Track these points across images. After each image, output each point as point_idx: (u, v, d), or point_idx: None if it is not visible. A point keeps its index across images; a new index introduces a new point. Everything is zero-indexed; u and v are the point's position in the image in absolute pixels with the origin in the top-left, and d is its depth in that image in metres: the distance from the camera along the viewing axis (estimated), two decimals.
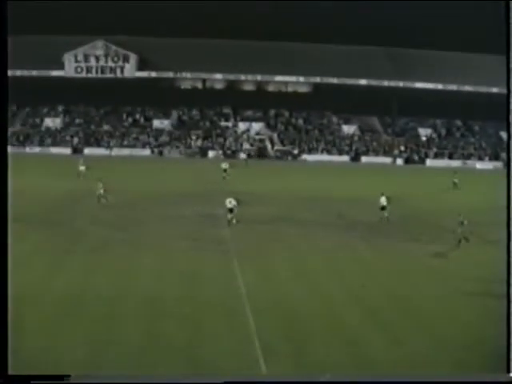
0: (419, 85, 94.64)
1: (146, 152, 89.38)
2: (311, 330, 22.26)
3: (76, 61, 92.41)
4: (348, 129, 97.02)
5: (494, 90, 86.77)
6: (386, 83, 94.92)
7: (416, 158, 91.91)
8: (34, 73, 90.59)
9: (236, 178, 61.04)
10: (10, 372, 15.37)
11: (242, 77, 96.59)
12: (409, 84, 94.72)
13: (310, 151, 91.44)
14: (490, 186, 47.20)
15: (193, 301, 24.91)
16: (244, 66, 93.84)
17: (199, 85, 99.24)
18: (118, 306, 23.99)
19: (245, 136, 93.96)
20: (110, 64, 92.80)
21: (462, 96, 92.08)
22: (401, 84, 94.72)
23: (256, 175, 68.20)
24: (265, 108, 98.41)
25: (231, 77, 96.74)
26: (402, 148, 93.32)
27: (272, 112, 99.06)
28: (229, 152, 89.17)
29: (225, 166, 64.41)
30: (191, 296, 25.52)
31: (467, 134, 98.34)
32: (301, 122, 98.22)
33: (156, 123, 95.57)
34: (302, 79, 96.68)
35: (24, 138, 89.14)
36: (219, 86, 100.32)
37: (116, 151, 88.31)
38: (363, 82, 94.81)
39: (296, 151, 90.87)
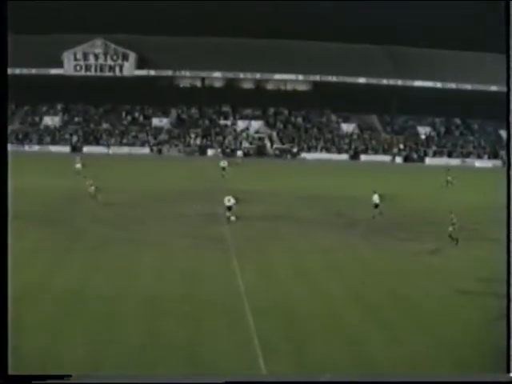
0: (418, 83, 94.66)
1: (145, 150, 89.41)
2: (311, 329, 22.25)
3: (75, 59, 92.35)
4: (347, 127, 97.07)
5: (493, 88, 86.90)
6: (385, 81, 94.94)
7: (415, 156, 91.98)
8: (33, 71, 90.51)
9: (235, 176, 61.04)
10: (10, 372, 15.35)
11: (241, 75, 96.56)
12: (408, 82, 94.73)
13: (309, 149, 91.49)
14: (489, 185, 47.30)
15: (193, 299, 24.89)
16: (243, 65, 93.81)
17: (198, 83, 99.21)
18: (118, 304, 23.98)
19: (244, 134, 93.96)
20: (109, 62, 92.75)
21: (461, 94, 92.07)
22: (400, 82, 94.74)
23: (255, 174, 68.22)
24: (264, 106, 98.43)
25: (230, 75, 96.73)
26: (401, 146, 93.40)
27: (271, 110, 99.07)
28: (228, 150, 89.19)
29: (223, 164, 64.53)
30: (191, 294, 25.51)
31: (466, 133, 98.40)
32: (300, 120, 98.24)
33: (155, 121, 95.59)
34: (301, 77, 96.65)
35: (23, 137, 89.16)
36: (218, 84, 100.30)
37: (115, 149, 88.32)
38: (362, 80, 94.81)
39: (295, 149, 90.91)
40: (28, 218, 37.56)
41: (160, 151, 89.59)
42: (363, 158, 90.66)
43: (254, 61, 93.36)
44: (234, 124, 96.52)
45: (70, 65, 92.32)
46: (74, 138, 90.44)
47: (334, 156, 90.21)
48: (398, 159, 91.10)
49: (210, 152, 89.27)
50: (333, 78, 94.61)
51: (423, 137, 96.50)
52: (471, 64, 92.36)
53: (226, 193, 41.82)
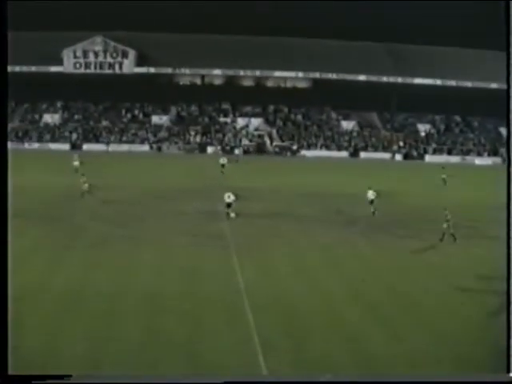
0: (418, 80, 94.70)
1: (145, 148, 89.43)
2: (311, 326, 22.25)
3: (75, 57, 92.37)
4: (347, 124, 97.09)
5: (493, 85, 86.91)
6: (385, 79, 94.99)
7: (415, 153, 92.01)
8: (33, 69, 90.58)
9: (235, 173, 61.07)
10: (10, 372, 15.34)
11: (241, 72, 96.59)
12: (408, 80, 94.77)
13: (309, 147, 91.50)
14: (489, 182, 47.32)
15: (192, 296, 24.90)
16: (243, 62, 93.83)
17: (198, 81, 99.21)
18: (118, 302, 23.98)
19: (244, 132, 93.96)
20: (109, 60, 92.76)
21: (461, 92, 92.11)
22: (400, 80, 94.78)
23: (255, 171, 68.24)
24: (264, 104, 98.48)
25: (230, 72, 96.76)
26: (401, 144, 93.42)
27: (271, 108, 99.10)
28: (227, 148, 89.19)
29: (223, 161, 64.65)
30: (191, 292, 25.51)
31: (466, 130, 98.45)
32: (300, 117, 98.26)
33: (155, 119, 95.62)
34: (301, 75, 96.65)
35: (23, 134, 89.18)
36: (218, 81, 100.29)
37: (115, 147, 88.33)
38: (362, 77, 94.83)
39: (295, 147, 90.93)
40: (28, 216, 37.55)
41: (160, 149, 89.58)
42: (363, 155, 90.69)
43: (254, 58, 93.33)
44: (233, 121, 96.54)
45: (70, 62, 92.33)
46: (74, 136, 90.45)
47: (334, 153, 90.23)
48: (398, 156, 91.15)
49: (209, 149, 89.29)
50: (333, 76, 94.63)
51: (423, 134, 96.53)
52: (471, 61, 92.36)
53: (226, 190, 41.79)
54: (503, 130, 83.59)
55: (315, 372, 18.55)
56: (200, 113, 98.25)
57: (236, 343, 20.55)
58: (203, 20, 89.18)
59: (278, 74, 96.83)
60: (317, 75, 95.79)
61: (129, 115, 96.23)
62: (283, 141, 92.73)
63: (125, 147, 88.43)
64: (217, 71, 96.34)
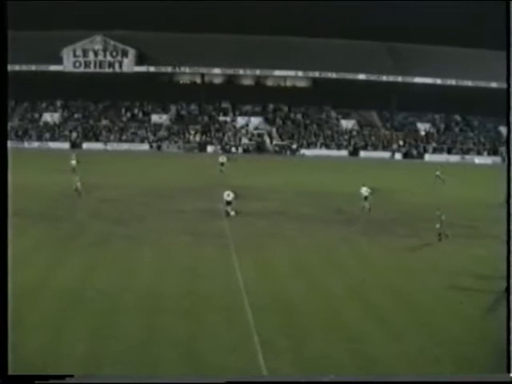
0: (418, 79, 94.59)
1: (145, 147, 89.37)
2: (310, 325, 22.26)
3: (74, 55, 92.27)
4: (347, 123, 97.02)
5: (493, 85, 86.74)
6: (384, 78, 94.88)
7: (415, 152, 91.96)
8: (33, 68, 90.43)
9: (235, 172, 61.05)
10: (10, 372, 15.35)
11: (241, 71, 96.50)
12: (408, 79, 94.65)
13: (309, 146, 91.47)
14: (488, 181, 47.36)
15: (192, 295, 24.90)
16: (243, 61, 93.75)
17: (198, 79, 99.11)
18: (118, 300, 23.99)
19: (243, 131, 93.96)
20: (109, 59, 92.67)
21: (461, 91, 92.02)
22: (400, 79, 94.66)
23: (255, 170, 68.22)
24: (263, 103, 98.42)
25: (230, 71, 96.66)
26: (401, 143, 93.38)
27: (271, 107, 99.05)
28: (227, 147, 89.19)
29: (222, 159, 64.70)
30: (190, 290, 25.52)
31: (466, 129, 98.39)
32: (299, 116, 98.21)
33: (154, 118, 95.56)
34: (300, 74, 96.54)
35: (22, 133, 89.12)
36: (218, 80, 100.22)
37: (114, 146, 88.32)
38: (362, 76, 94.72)
39: (295, 146, 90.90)
40: (27, 215, 37.58)
41: (159, 148, 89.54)
42: (363, 154, 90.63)
43: (254, 57, 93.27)
44: (233, 120, 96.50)
45: (70, 61, 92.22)
46: (74, 135, 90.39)
47: (334, 152, 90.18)
48: (398, 155, 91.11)
49: (209, 148, 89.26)
50: (332, 75, 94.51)
51: (423, 133, 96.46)
52: (471, 60, 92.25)
53: (226, 189, 41.82)
54: (503, 130, 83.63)
55: (315, 372, 18.58)
56: (200, 112, 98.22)
57: (235, 342, 20.56)
58: (203, 19, 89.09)
59: (277, 73, 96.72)
60: (316, 74, 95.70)
61: (128, 114, 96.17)
62: (283, 140, 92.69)
63: (124, 146, 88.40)
64: (217, 70, 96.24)
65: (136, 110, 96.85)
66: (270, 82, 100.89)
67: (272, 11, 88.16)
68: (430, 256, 33.05)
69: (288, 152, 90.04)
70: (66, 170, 57.15)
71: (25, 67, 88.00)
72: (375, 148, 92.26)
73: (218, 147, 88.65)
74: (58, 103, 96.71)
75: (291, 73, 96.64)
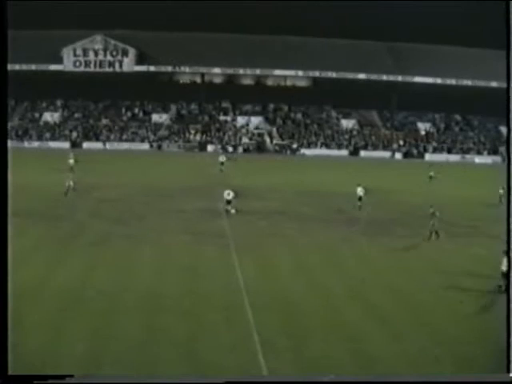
0: (418, 79, 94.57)
1: (145, 146, 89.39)
2: (310, 325, 22.25)
3: (75, 55, 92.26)
4: (347, 123, 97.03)
5: (494, 84, 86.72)
6: (385, 77, 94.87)
7: (415, 152, 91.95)
8: (33, 67, 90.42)
9: (235, 172, 61.06)
10: (10, 372, 15.35)
11: (241, 71, 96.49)
12: (408, 78, 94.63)
13: (309, 145, 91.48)
14: (488, 181, 47.37)
15: (192, 295, 24.90)
16: (243, 60, 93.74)
17: (198, 79, 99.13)
18: (118, 300, 23.98)
19: (244, 130, 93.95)
20: (109, 58, 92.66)
21: (461, 90, 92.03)
22: (400, 78, 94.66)
23: (255, 169, 68.21)
24: (264, 102, 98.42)
25: (230, 71, 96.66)
26: (401, 142, 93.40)
27: (271, 106, 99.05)
28: (227, 146, 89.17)
29: (222, 159, 64.81)
30: (191, 290, 25.51)
31: (466, 129, 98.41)
32: (300, 116, 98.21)
33: (155, 117, 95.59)
34: (300, 73, 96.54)
35: (23, 133, 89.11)
36: (218, 80, 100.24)
37: (115, 145, 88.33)
38: (362, 76, 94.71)
39: (295, 145, 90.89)
40: (28, 215, 37.57)
41: (160, 147, 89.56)
42: (363, 153, 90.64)
43: (254, 56, 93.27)
44: (233, 120, 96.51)
45: (70, 60, 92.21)
46: (74, 134, 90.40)
47: (334, 152, 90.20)
48: (398, 155, 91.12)
49: (209, 148, 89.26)
50: (332, 74, 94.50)
51: (423, 133, 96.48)
52: (471, 60, 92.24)
53: (226, 189, 41.88)
54: (503, 129, 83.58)
55: (315, 371, 18.57)
56: (200, 111, 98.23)
57: (236, 342, 20.56)
58: (203, 19, 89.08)
59: (277, 72, 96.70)
60: (317, 74, 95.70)
61: (129, 113, 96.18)
62: (283, 139, 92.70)
63: (125, 145, 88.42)
64: (217, 70, 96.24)
65: (136, 110, 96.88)
66: (270, 82, 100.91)
67: (272, 11, 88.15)
68: (430, 255, 33.04)
69: (288, 152, 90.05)
70: (65, 170, 57.12)
71: (25, 67, 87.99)
72: (375, 148, 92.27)
73: (219, 146, 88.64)
74: (59, 103, 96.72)
75: (291, 72, 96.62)
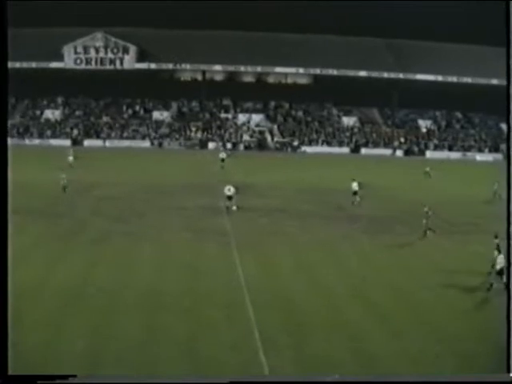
0: (419, 76, 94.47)
1: (146, 144, 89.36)
2: (311, 322, 22.25)
3: (75, 52, 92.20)
4: (348, 120, 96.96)
5: (495, 81, 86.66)
6: (386, 75, 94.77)
7: (416, 149, 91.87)
8: (34, 65, 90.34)
9: (236, 169, 61.03)
10: (10, 372, 15.34)
11: (242, 68, 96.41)
12: (409, 75, 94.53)
13: (310, 143, 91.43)
14: (490, 178, 47.34)
15: (193, 293, 24.90)
16: (244, 58, 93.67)
17: (199, 76, 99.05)
18: (118, 298, 23.99)
19: (245, 128, 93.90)
20: (110, 56, 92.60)
21: (462, 88, 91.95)
22: (401, 75, 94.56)
23: (256, 167, 68.18)
24: (265, 100, 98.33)
25: (231, 68, 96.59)
26: (402, 140, 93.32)
27: (272, 104, 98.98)
28: (227, 144, 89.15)
29: (222, 155, 64.89)
30: (191, 288, 25.51)
31: (467, 126, 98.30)
32: (301, 113, 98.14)
33: (156, 115, 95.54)
34: (301, 71, 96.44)
35: (24, 130, 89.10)
36: (219, 77, 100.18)
37: (115, 143, 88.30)
38: (363, 73, 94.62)
39: (296, 143, 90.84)
40: (28, 212, 37.57)
41: (161, 145, 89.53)
42: (364, 151, 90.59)
43: (255, 54, 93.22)
44: (234, 117, 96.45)
45: (71, 58, 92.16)
46: (75, 132, 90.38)
47: (335, 149, 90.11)
48: (399, 152, 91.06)
49: (210, 145, 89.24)
50: (333, 72, 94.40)
51: (424, 130, 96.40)
52: (472, 57, 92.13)
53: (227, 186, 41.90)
54: (504, 126, 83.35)
55: (316, 369, 18.57)
56: (201, 109, 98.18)
57: (236, 339, 20.55)
58: (204, 16, 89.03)
59: (278, 69, 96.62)
60: (318, 71, 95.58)
61: (130, 111, 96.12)
62: (284, 137, 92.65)
63: (126, 143, 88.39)
64: (218, 67, 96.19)
65: (137, 107, 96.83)
66: (271, 79, 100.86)
67: (273, 8, 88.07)
68: (430, 253, 33.02)
69: (289, 149, 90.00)
70: (67, 167, 57.15)
71: (26, 64, 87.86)
72: (376, 145, 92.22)
73: (220, 144, 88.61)
74: (59, 100, 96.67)
75: (292, 70, 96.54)
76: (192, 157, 77.02)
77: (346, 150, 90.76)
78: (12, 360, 15.40)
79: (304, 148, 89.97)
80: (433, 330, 21.93)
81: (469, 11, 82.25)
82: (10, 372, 15.32)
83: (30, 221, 36.01)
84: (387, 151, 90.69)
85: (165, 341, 20.16)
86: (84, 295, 24.09)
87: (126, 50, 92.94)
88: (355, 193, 45.26)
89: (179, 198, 45.73)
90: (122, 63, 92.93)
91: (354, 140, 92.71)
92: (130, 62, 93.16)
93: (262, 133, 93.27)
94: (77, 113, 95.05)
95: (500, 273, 25.69)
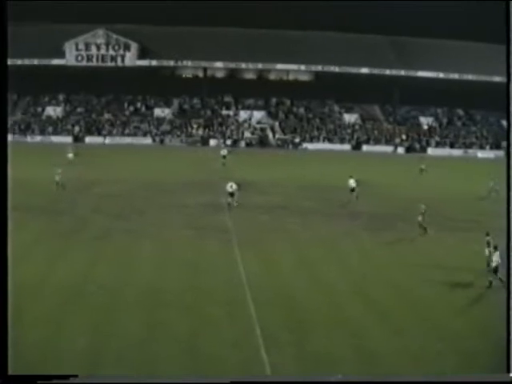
0: (421, 73, 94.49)
1: (147, 141, 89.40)
2: (313, 320, 22.24)
3: (77, 49, 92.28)
4: (349, 117, 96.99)
5: (496, 79, 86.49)
6: (387, 72, 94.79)
7: (417, 146, 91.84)
8: (35, 62, 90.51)
9: (237, 166, 61.01)
10: (10, 372, 15.33)
11: (243, 65, 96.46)
12: (410, 73, 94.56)
13: (312, 140, 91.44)
14: (491, 175, 47.28)
15: (194, 290, 24.88)
16: (245, 55, 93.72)
17: (200, 73, 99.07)
18: (119, 296, 23.98)
19: (246, 125, 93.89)
20: (111, 52, 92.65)
21: (463, 85, 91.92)
22: (402, 72, 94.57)
23: (257, 164, 68.18)
24: (266, 96, 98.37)
25: (232, 65, 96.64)
26: (404, 137, 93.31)
27: (273, 100, 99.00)
28: (230, 141, 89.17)
29: (223, 152, 64.94)
30: (193, 285, 25.50)
31: (469, 123, 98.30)
32: (302, 110, 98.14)
33: (157, 112, 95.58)
34: (303, 67, 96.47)
35: (25, 127, 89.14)
36: (220, 74, 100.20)
37: (117, 140, 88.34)
38: (365, 70, 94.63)
39: (297, 140, 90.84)
40: (28, 209, 37.58)
41: (162, 141, 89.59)
42: (365, 148, 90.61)
43: (256, 51, 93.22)
44: (236, 114, 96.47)
45: (72, 55, 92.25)
46: (76, 129, 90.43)
47: (336, 146, 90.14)
48: (400, 150, 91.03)
49: (212, 142, 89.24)
50: (335, 68, 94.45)
51: (425, 127, 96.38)
52: (474, 54, 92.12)
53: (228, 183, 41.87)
54: (506, 123, 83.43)
55: (318, 366, 18.57)
56: (202, 105, 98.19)
57: (238, 337, 20.54)
58: (205, 12, 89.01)
59: (280, 66, 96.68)
60: (319, 68, 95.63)
61: (131, 108, 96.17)
62: (285, 134, 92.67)
63: (127, 140, 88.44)
64: (219, 64, 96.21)
65: (138, 104, 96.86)
66: (272, 76, 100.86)
67: (274, 5, 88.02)
68: (431, 250, 32.99)
69: (291, 146, 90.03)
70: (68, 164, 57.16)
71: (27, 61, 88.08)
72: (378, 142, 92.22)
73: (221, 141, 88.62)
74: (61, 97, 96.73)
75: (294, 66, 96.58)
76: (193, 154, 77.02)
77: (347, 146, 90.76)
78: (12, 358, 15.40)
79: (305, 145, 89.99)
80: (433, 327, 21.92)
81: (470, 8, 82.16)
82: (10, 372, 15.30)
83: (30, 218, 36.02)
84: (389, 148, 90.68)
85: (166, 338, 20.15)
86: (84, 293, 24.07)
87: (127, 47, 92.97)
88: (353, 190, 45.38)
89: (180, 195, 45.72)
90: (123, 60, 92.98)
91: (355, 137, 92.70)
92: (131, 58, 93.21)
93: (263, 130, 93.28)
94: (78, 110, 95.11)
95: (495, 270, 25.73)
